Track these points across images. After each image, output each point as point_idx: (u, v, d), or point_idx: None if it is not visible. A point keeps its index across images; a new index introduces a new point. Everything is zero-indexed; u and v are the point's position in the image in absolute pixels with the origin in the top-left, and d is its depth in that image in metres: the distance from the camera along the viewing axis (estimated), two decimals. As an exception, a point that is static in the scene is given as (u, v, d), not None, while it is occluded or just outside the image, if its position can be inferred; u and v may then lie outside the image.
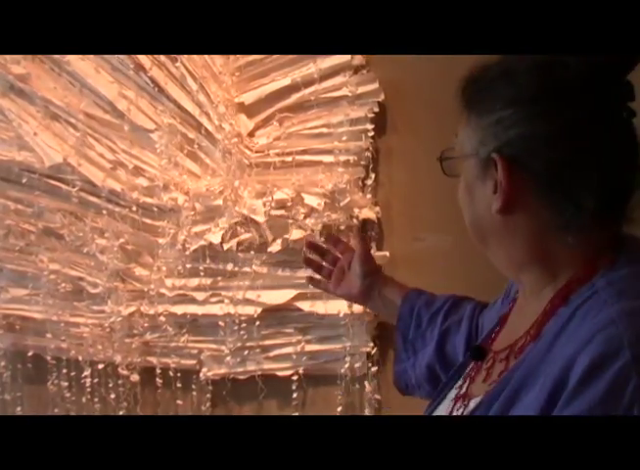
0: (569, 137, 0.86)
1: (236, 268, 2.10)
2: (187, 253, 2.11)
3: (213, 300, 2.12)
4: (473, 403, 0.97)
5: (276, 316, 2.09)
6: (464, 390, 1.03)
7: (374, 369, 2.04)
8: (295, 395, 2.10)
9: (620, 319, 0.78)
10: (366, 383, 2.05)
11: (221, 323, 2.11)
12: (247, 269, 2.09)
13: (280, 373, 2.10)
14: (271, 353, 2.11)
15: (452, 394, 1.07)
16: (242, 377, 2.14)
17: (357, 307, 1.98)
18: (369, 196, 2.02)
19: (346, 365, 2.02)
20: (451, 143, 1.06)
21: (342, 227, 2.00)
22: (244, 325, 2.10)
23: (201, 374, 2.16)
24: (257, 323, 2.09)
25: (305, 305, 2.05)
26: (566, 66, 0.88)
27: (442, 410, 1.07)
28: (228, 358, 2.11)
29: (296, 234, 2.01)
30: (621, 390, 0.75)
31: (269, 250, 2.04)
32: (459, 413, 0.99)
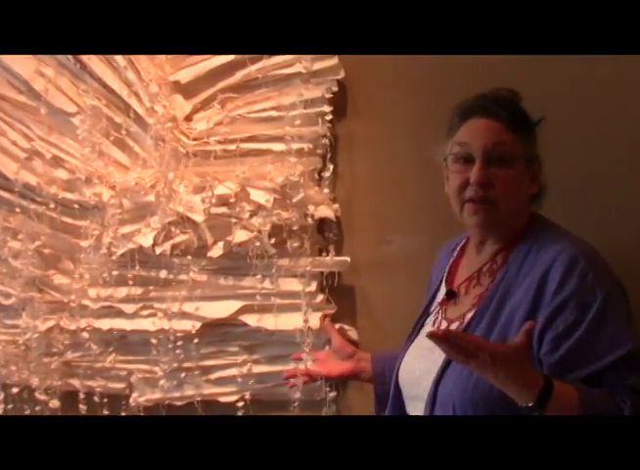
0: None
1: (170, 276, 1.95)
2: (113, 258, 1.96)
3: (144, 313, 1.97)
4: (456, 323, 1.41)
5: (218, 332, 1.94)
6: (439, 318, 1.46)
7: (332, 394, 1.87)
8: (240, 423, 1.92)
9: (569, 246, 1.33)
10: (324, 409, 1.87)
11: (154, 340, 1.95)
12: (183, 277, 1.93)
13: (223, 399, 1.95)
14: (212, 376, 1.96)
15: (426, 328, 1.47)
16: (178, 403, 1.98)
17: (314, 322, 1.83)
18: (326, 191, 1.87)
19: (300, 389, 1.83)
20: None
21: (295, 228, 1.84)
22: (180, 343, 1.93)
23: (131, 399, 2.01)
24: (196, 340, 1.93)
25: (252, 320, 1.89)
26: None
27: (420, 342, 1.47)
28: (162, 382, 1.96)
29: (240, 236, 1.85)
30: (585, 279, 1.28)
31: (209, 254, 1.89)
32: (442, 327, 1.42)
